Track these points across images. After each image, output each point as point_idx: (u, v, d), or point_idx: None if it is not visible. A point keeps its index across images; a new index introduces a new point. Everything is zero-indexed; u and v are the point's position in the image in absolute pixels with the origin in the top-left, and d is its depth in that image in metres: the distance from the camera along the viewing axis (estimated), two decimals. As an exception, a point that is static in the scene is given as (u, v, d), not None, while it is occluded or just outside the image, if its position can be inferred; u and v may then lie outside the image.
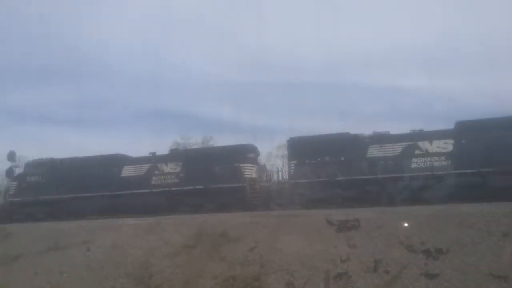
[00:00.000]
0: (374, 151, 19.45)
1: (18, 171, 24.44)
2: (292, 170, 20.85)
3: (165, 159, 22.58)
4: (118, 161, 23.08)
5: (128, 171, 22.64)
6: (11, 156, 24.31)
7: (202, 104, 76.84)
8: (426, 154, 18.53)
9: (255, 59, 72.75)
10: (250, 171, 21.40)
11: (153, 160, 22.63)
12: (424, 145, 18.66)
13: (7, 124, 68.09)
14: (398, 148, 19.10)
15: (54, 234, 15.44)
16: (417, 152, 18.70)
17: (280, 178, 23.79)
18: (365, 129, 21.07)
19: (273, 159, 51.61)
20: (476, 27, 59.12)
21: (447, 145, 18.32)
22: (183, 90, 75.92)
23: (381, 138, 19.71)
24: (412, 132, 19.80)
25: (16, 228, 17.31)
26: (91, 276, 12.36)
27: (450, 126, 19.25)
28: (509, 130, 17.44)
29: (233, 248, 12.25)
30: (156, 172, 22.15)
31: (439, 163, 18.22)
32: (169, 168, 22.07)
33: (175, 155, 23.39)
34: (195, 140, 41.63)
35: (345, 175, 19.36)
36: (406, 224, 11.79)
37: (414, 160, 18.60)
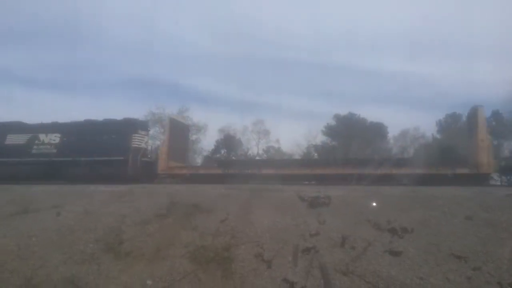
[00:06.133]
0: None
1: None
2: None
3: None
4: None
5: None
6: None
7: (190, 74, 76.28)
8: None
9: (246, 33, 72.17)
10: None
11: None
12: None
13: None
14: None
15: (24, 198, 15.23)
16: None
17: None
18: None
19: (249, 133, 51.66)
20: (461, 16, 60.10)
21: None
22: (172, 59, 75.11)
23: None
24: None
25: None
26: (61, 240, 12.28)
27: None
28: None
29: (205, 219, 12.37)
30: None
31: None
32: None
33: None
34: (170, 110, 41.25)
35: None
36: (374, 204, 12.12)
37: None
